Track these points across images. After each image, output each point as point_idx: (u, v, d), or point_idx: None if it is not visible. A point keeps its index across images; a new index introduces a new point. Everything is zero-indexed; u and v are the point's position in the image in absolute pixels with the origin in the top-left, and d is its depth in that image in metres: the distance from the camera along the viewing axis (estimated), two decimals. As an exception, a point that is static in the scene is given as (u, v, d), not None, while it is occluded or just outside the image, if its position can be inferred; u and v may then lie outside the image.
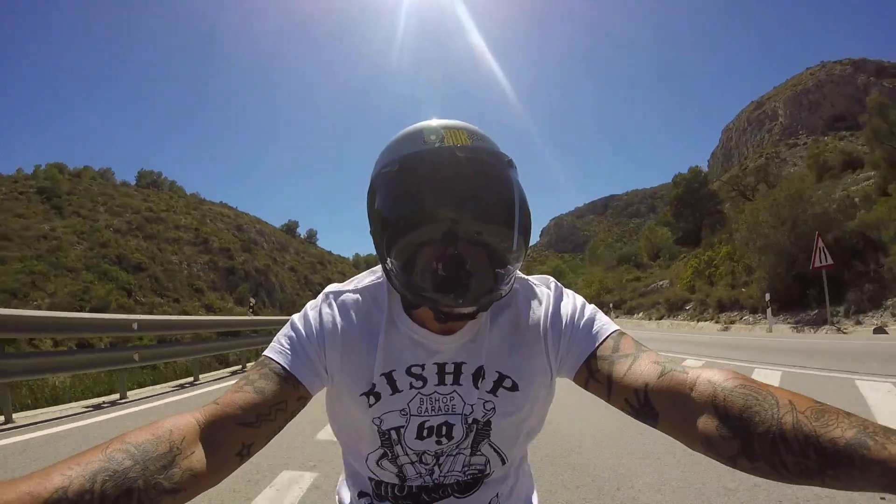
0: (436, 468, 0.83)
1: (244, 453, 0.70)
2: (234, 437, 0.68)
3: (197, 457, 0.63)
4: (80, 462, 0.54)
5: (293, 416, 0.77)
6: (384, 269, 0.78)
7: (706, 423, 0.61)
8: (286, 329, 0.83)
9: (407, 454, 0.83)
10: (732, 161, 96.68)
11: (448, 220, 0.69)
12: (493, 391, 0.82)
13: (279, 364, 0.77)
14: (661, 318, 27.36)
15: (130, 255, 48.13)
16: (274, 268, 65.83)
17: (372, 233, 0.78)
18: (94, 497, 0.52)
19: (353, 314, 0.84)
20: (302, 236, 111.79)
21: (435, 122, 0.78)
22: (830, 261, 14.35)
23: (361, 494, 0.90)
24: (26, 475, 0.51)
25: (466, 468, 0.84)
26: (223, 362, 11.65)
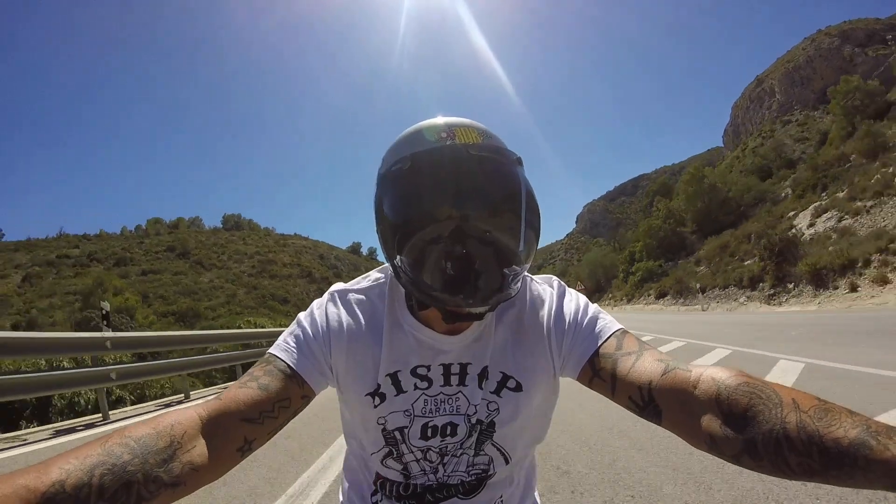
0: (440, 467, 0.84)
1: (245, 449, 0.70)
2: (236, 433, 0.68)
3: (198, 451, 0.63)
4: (78, 456, 0.53)
5: (296, 413, 0.77)
6: (393, 266, 0.77)
7: (710, 421, 0.61)
8: (292, 327, 0.83)
9: (412, 452, 0.83)
10: (741, 138, 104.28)
11: (458, 218, 0.68)
12: (497, 392, 0.82)
13: (284, 362, 0.77)
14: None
15: (277, 293, 64.33)
16: None
17: (379, 230, 0.76)
18: (92, 490, 0.51)
19: (359, 314, 0.84)
20: (365, 254, 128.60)
21: (443, 120, 0.78)
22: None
23: (366, 493, 0.90)
24: (23, 469, 0.50)
25: (470, 468, 0.84)
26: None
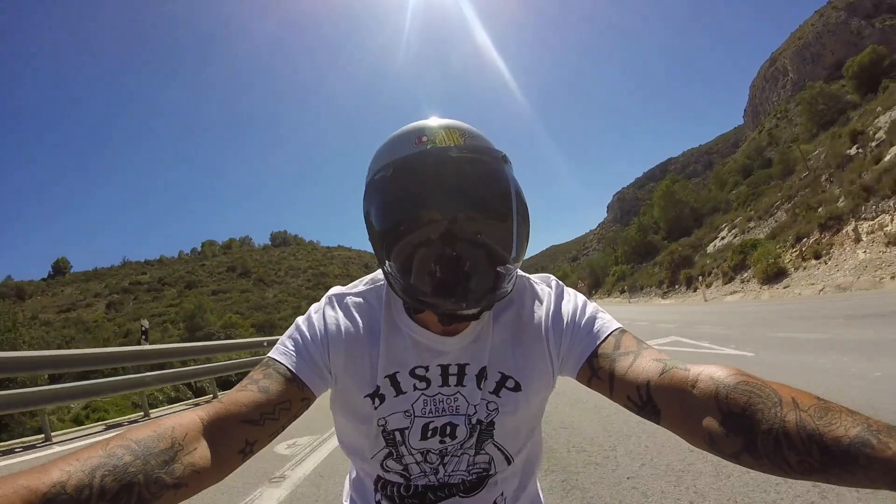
0: (440, 467, 0.83)
1: (247, 451, 0.70)
2: (238, 435, 0.68)
3: (199, 453, 0.63)
4: (79, 457, 0.53)
5: (296, 416, 0.77)
6: (384, 273, 0.78)
7: (709, 420, 0.61)
8: (290, 331, 0.83)
9: (411, 454, 0.83)
10: (760, 118, 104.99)
11: (444, 221, 0.68)
12: (496, 392, 0.82)
13: (283, 365, 0.77)
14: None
15: None
16: None
17: (370, 238, 0.76)
18: (94, 492, 0.51)
19: (357, 316, 0.84)
20: None
21: (426, 123, 0.77)
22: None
23: (368, 495, 0.89)
24: (25, 470, 0.50)
25: (471, 467, 0.84)
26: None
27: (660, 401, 0.67)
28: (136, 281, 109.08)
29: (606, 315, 0.83)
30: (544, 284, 0.89)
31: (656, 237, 57.54)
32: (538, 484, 1.00)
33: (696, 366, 0.67)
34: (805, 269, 19.52)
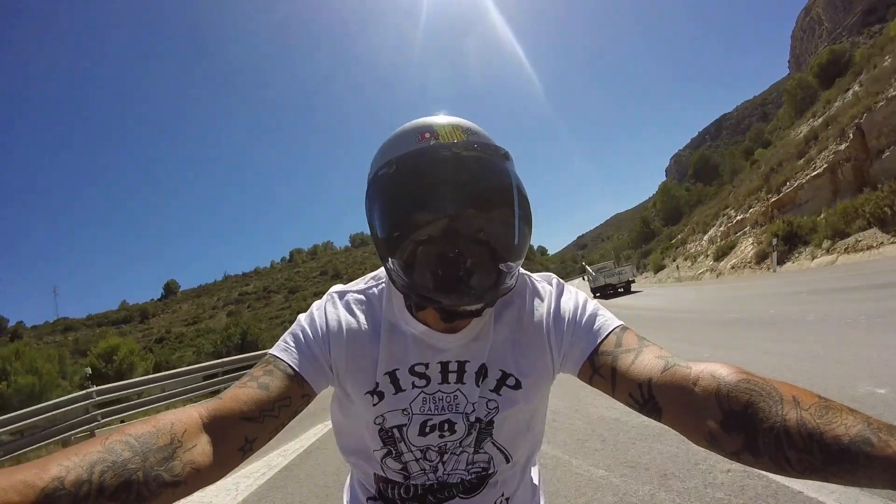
0: (440, 465, 0.83)
1: (247, 448, 0.69)
2: (238, 432, 0.68)
3: (199, 450, 0.62)
4: (78, 453, 0.53)
5: (297, 413, 0.77)
6: (386, 270, 0.77)
7: (710, 418, 0.61)
8: (292, 328, 0.83)
9: (410, 451, 0.82)
10: (802, 69, 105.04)
11: (447, 218, 0.68)
12: (497, 390, 0.82)
13: (284, 362, 0.77)
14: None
15: None
16: None
17: (372, 234, 0.76)
18: (92, 487, 0.51)
19: (358, 314, 0.84)
20: None
21: (428, 119, 0.77)
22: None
23: (367, 495, 0.89)
24: (23, 465, 0.50)
25: (470, 466, 0.84)
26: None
27: (661, 398, 0.67)
28: (244, 292, 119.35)
29: (608, 313, 0.82)
30: (545, 282, 0.88)
31: (655, 226, 72.47)
32: (539, 485, 0.99)
33: (698, 364, 0.67)
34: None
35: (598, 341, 0.77)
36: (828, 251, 16.00)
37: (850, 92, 23.02)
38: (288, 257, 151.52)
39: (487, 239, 0.70)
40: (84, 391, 8.60)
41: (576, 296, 0.86)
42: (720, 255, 25.79)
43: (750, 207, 26.13)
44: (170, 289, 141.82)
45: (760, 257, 20.64)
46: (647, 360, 0.70)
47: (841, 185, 18.42)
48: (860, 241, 14.72)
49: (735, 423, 0.59)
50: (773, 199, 22.91)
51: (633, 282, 26.86)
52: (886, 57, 21.38)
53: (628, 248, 73.80)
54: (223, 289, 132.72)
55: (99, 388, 8.78)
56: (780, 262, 18.67)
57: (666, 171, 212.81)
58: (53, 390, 25.72)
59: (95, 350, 29.12)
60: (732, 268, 22.76)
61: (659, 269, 39.63)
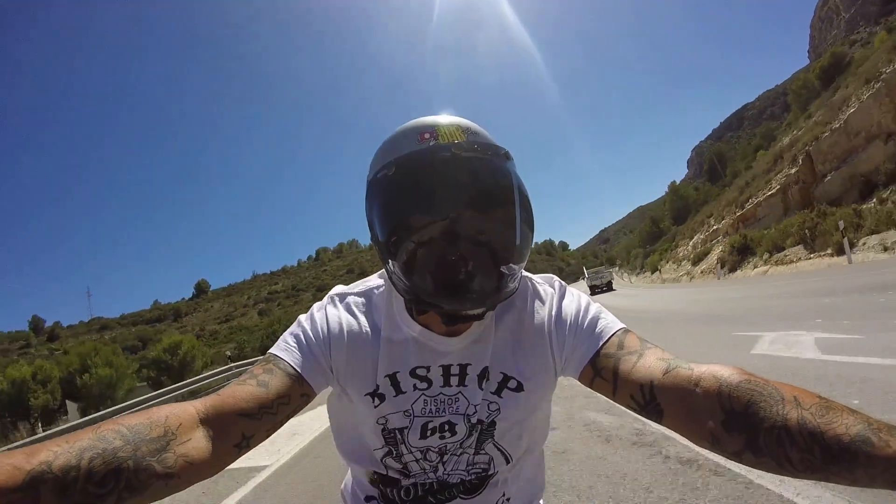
0: (440, 465, 0.83)
1: (243, 445, 0.69)
2: (234, 428, 0.68)
3: (193, 444, 0.62)
4: (69, 440, 0.53)
5: (295, 412, 0.77)
6: (387, 272, 0.78)
7: (711, 419, 0.61)
8: (292, 328, 0.83)
9: (411, 451, 0.82)
10: (821, 59, 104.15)
11: (448, 220, 0.67)
12: (498, 392, 0.82)
13: (285, 361, 0.77)
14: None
15: None
16: None
17: (372, 237, 0.76)
18: (81, 473, 0.51)
19: (359, 316, 0.84)
20: None
21: (428, 119, 0.77)
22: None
23: (366, 495, 0.89)
24: (13, 450, 0.50)
25: (470, 466, 0.84)
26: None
27: (663, 400, 0.67)
28: (273, 290, 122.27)
29: (610, 315, 0.82)
30: (547, 285, 0.88)
31: (664, 225, 74.98)
32: (541, 485, 0.98)
33: (700, 365, 0.67)
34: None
35: (600, 344, 0.77)
36: (765, 262, 18.96)
37: (812, 120, 25.47)
38: (314, 256, 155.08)
39: (489, 240, 0.69)
40: (227, 365, 12.65)
41: (578, 298, 0.85)
42: (696, 261, 28.67)
43: (723, 218, 29.00)
44: (201, 288, 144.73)
45: (721, 264, 23.57)
46: (648, 363, 0.70)
47: (790, 205, 21.34)
48: (787, 255, 17.72)
49: (736, 423, 0.59)
50: (738, 214, 25.81)
51: (611, 282, 34.04)
52: (843, 87, 24.00)
53: (637, 247, 76.42)
54: (253, 287, 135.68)
55: (237, 363, 12.96)
56: (733, 269, 21.61)
57: (688, 162, 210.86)
58: (126, 380, 30.55)
59: (160, 345, 33.86)
60: (702, 272, 25.80)
61: (655, 269, 42.16)
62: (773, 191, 22.75)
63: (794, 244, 17.80)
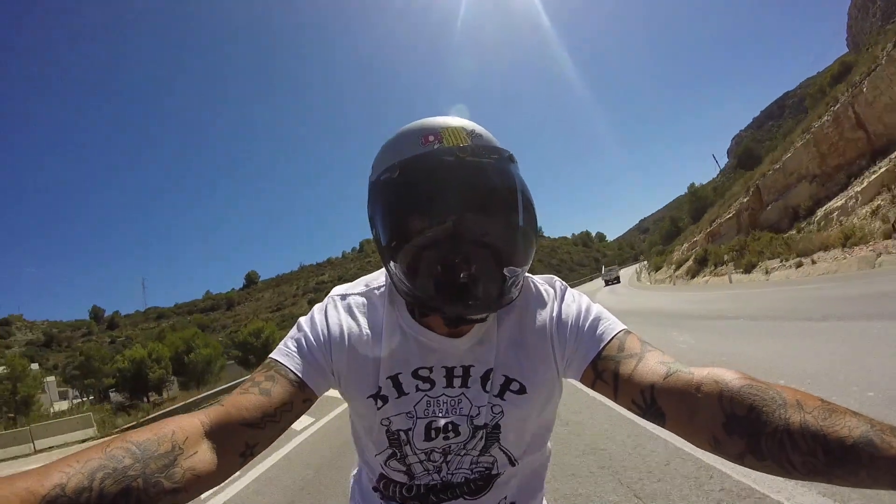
0: (443, 465, 0.82)
1: (248, 454, 0.70)
2: (239, 438, 0.68)
3: (199, 457, 0.63)
4: (79, 459, 0.53)
5: (298, 417, 0.77)
6: (389, 275, 0.78)
7: (713, 422, 0.61)
8: (293, 331, 0.82)
9: (415, 453, 0.82)
10: (859, 48, 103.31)
11: (451, 224, 0.67)
12: (501, 395, 0.81)
13: (285, 366, 0.77)
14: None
15: None
16: (536, 267, 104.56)
17: (374, 239, 0.76)
18: (93, 494, 0.51)
19: (360, 317, 0.83)
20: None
21: (432, 121, 0.76)
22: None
23: (372, 491, 0.90)
24: (25, 472, 0.50)
25: (474, 466, 0.83)
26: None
27: (664, 404, 0.67)
28: (321, 281, 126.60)
29: (611, 317, 0.82)
30: (548, 286, 0.88)
31: (682, 223, 77.61)
32: (543, 488, 0.97)
33: (701, 368, 0.67)
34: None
35: (601, 346, 0.77)
36: (710, 274, 24.64)
37: (767, 158, 30.48)
38: (358, 248, 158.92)
39: (492, 245, 0.69)
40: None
41: (579, 300, 0.85)
42: (678, 266, 33.88)
43: (701, 231, 34.29)
44: (251, 279, 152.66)
45: (688, 272, 29.16)
46: (649, 366, 0.70)
47: (742, 227, 26.81)
48: (720, 269, 23.46)
49: (738, 426, 0.59)
50: (708, 230, 31.26)
51: (619, 277, 43.12)
52: (792, 138, 28.90)
53: (657, 245, 79.07)
54: (300, 278, 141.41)
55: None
56: (693, 276, 27.22)
57: (728, 152, 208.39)
58: (220, 359, 38.98)
59: (245, 330, 42.39)
60: (678, 277, 31.22)
61: (657, 269, 46.08)
62: (731, 214, 28.15)
63: (729, 262, 23.29)
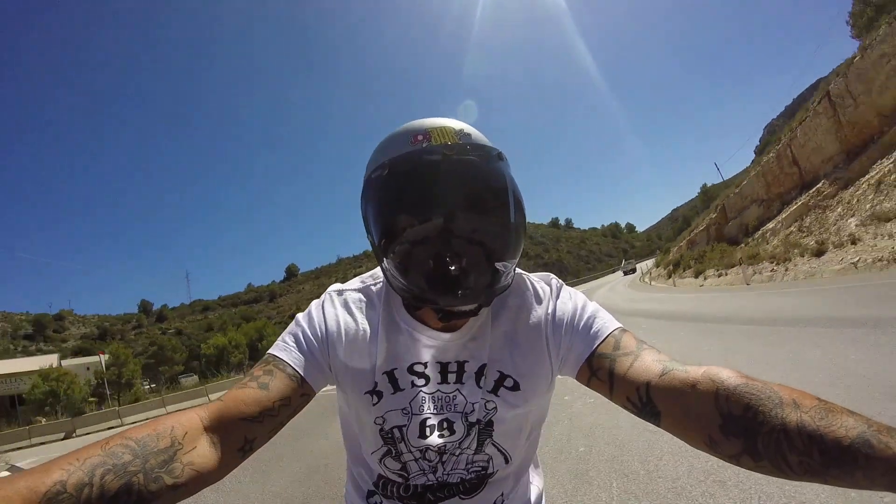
0: (439, 465, 0.82)
1: (247, 448, 0.70)
2: (238, 433, 0.69)
3: (199, 452, 0.63)
4: (80, 457, 0.54)
5: (296, 412, 0.78)
6: (382, 270, 0.78)
7: (709, 421, 0.61)
8: (291, 327, 0.84)
9: (410, 451, 0.82)
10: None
11: (441, 219, 0.68)
12: (495, 391, 0.81)
13: (283, 361, 0.78)
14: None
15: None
16: (565, 258, 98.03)
17: (367, 236, 0.77)
18: (94, 490, 0.52)
19: (356, 313, 0.84)
20: (563, 225, 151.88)
21: (422, 121, 0.77)
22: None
23: (368, 494, 0.88)
24: (26, 471, 0.51)
25: (470, 465, 0.83)
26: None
27: (659, 402, 0.67)
28: (358, 273, 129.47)
29: (607, 314, 0.82)
30: (544, 283, 0.88)
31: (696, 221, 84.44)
32: (538, 484, 0.98)
33: (697, 367, 0.67)
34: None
35: (596, 343, 0.77)
36: (678, 276, 30.87)
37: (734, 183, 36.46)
38: None
39: (481, 239, 0.71)
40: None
41: (574, 297, 0.85)
42: (665, 267, 39.66)
43: (684, 238, 40.25)
44: (291, 271, 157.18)
45: (667, 273, 35.23)
46: (645, 364, 0.70)
47: (710, 238, 32.92)
48: (685, 274, 29.78)
49: (734, 426, 0.59)
50: (688, 238, 37.37)
51: (635, 269, 48.32)
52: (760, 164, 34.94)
53: (668, 242, 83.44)
54: (338, 270, 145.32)
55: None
56: (668, 277, 33.36)
57: (760, 140, 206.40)
58: (286, 346, 47.57)
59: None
60: (660, 277, 37.42)
61: (657, 267, 50.46)
62: (703, 227, 34.24)
63: (692, 267, 29.61)
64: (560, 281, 0.91)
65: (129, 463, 0.56)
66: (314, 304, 0.87)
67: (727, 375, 0.62)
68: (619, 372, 0.72)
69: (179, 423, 0.64)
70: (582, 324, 0.81)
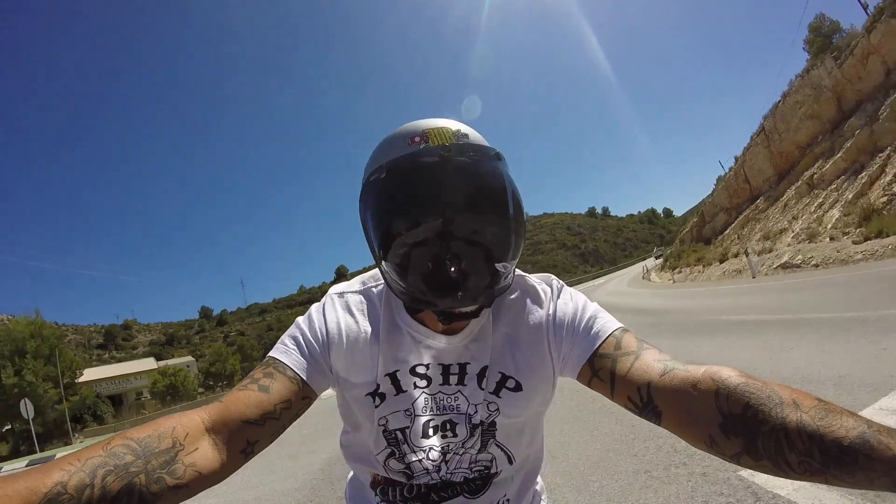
0: (442, 465, 0.82)
1: (249, 451, 0.70)
2: (239, 435, 0.69)
3: (201, 453, 0.63)
4: (81, 458, 0.54)
5: (298, 415, 0.77)
6: (381, 273, 0.78)
7: (709, 421, 0.61)
8: (291, 330, 0.83)
9: (414, 451, 0.82)
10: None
11: (439, 221, 0.68)
12: (497, 392, 0.82)
13: (284, 363, 0.77)
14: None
15: (549, 263, 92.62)
16: (601, 247, 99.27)
17: (366, 238, 0.77)
18: (95, 491, 0.51)
19: (357, 315, 0.84)
20: (600, 214, 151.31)
21: (419, 123, 0.77)
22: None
23: (370, 494, 0.88)
24: (26, 471, 0.51)
25: (473, 465, 0.83)
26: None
27: (660, 402, 0.67)
28: None
29: (607, 315, 0.82)
30: (545, 284, 0.88)
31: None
32: (541, 484, 0.98)
33: (698, 367, 0.67)
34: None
35: (598, 344, 0.77)
36: (669, 271, 39.05)
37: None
38: None
39: (479, 240, 0.70)
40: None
41: (575, 297, 0.85)
42: (665, 262, 47.22)
43: (679, 234, 48.16)
44: (340, 273, 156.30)
45: (662, 268, 43.06)
46: (645, 364, 0.70)
47: (693, 238, 40.95)
48: (676, 271, 38.16)
49: (735, 426, 0.59)
50: (679, 236, 45.37)
51: (661, 257, 51.39)
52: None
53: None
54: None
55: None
56: (661, 270, 41.25)
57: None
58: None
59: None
60: (661, 272, 45.57)
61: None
62: (688, 228, 42.06)
63: (669, 264, 37.69)
64: (560, 282, 0.90)
65: (130, 464, 0.56)
66: (315, 306, 0.87)
67: (728, 375, 0.63)
68: (621, 372, 0.72)
69: (181, 424, 0.65)
70: (583, 325, 0.81)
